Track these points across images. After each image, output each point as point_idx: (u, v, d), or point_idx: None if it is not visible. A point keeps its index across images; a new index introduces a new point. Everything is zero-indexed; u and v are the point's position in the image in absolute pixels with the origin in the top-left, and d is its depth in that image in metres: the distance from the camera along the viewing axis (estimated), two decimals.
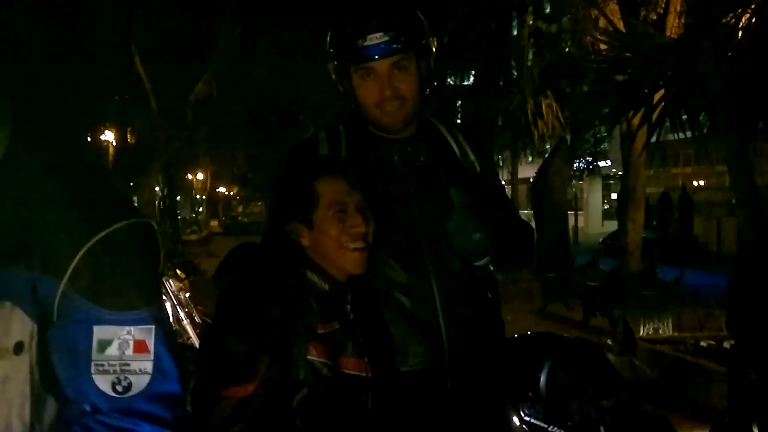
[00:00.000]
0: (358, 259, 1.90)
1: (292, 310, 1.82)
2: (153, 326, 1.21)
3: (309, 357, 1.82)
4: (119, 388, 1.18)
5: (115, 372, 1.18)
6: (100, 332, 1.18)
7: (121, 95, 14.97)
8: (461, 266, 2.23)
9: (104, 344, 1.18)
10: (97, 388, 1.18)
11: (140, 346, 1.19)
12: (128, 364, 1.19)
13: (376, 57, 2.15)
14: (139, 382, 1.19)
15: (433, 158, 2.29)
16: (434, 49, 2.26)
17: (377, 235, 2.07)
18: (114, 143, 17.38)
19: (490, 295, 2.31)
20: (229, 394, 1.75)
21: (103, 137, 17.92)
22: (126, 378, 1.18)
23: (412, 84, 2.21)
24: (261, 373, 1.76)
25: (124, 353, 1.18)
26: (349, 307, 1.94)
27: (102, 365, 1.18)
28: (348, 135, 2.29)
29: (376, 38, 2.14)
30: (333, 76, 2.28)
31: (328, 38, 2.26)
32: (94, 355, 1.18)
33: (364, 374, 1.92)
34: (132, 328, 1.19)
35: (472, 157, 2.34)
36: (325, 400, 1.83)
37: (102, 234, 1.18)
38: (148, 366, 1.20)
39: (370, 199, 2.02)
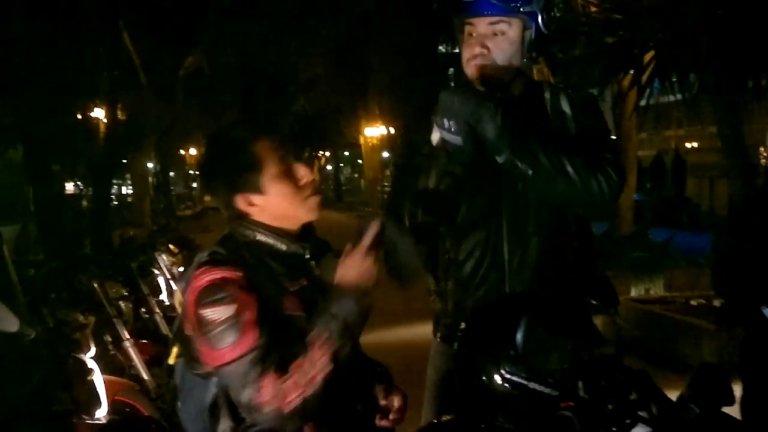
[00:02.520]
0: (315, 205, 1.96)
1: (254, 276, 1.83)
2: None
3: (286, 312, 1.85)
4: None
5: None
6: None
7: (111, 71, 14.83)
8: (536, 231, 2.31)
9: None
10: None
11: None
12: None
13: (475, 13, 2.29)
14: None
15: (527, 119, 2.34)
16: (542, 19, 2.34)
17: (466, 190, 2.25)
18: (105, 120, 17.27)
19: (572, 259, 2.35)
20: (236, 355, 1.76)
21: (93, 114, 17.77)
22: None
23: (507, 49, 2.31)
24: (251, 320, 1.77)
25: None
26: (313, 263, 1.98)
27: None
28: (461, 93, 2.37)
29: None
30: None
31: None
32: None
33: None
34: None
35: (570, 121, 2.37)
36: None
37: None
38: None
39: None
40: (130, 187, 23.14)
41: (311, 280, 1.95)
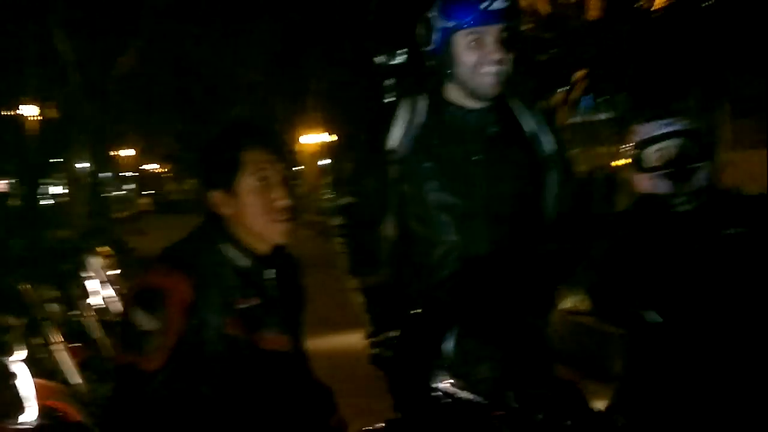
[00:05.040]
0: (284, 231, 1.92)
1: (204, 285, 1.82)
2: None
3: (226, 331, 1.83)
4: None
5: None
6: None
7: (39, 68, 14.43)
8: (512, 241, 2.37)
9: None
10: None
11: None
12: None
13: (492, 23, 2.30)
14: None
15: (503, 131, 2.42)
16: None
17: (439, 195, 2.30)
18: (34, 118, 16.78)
19: (544, 270, 2.43)
20: (135, 366, 1.77)
21: (21, 112, 17.23)
22: None
23: (510, 54, 2.35)
24: (168, 345, 1.77)
25: None
26: (271, 283, 1.95)
27: None
28: (428, 101, 2.45)
29: (498, 4, 2.29)
30: (429, 40, 2.39)
31: (441, 1, 2.36)
32: None
33: (284, 350, 1.94)
34: None
35: (544, 135, 2.46)
36: (242, 373, 1.85)
37: None
38: None
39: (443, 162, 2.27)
40: (63, 188, 22.55)
41: (265, 300, 1.92)
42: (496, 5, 2.30)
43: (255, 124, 2.04)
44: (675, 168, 2.68)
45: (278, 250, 1.97)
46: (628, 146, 2.86)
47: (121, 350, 1.82)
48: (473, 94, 2.40)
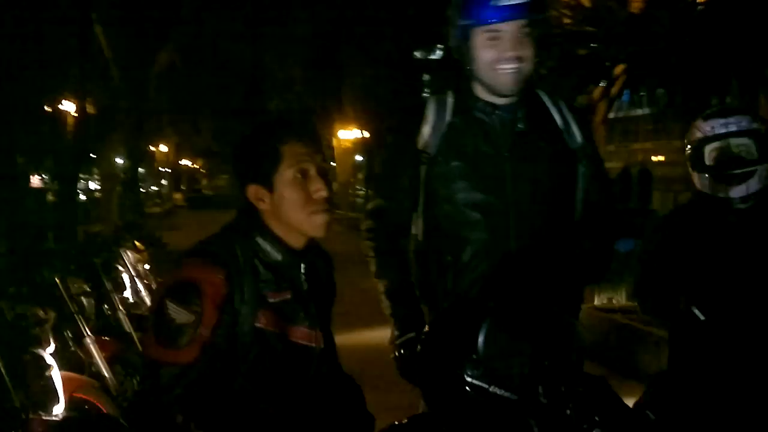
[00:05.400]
0: (322, 223, 1.91)
1: (238, 277, 1.82)
2: None
3: (257, 324, 1.83)
4: None
5: None
6: None
7: (81, 64, 14.67)
8: (544, 237, 2.35)
9: None
10: None
11: None
12: None
13: (509, 19, 2.27)
14: None
15: (532, 126, 2.39)
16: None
17: (469, 193, 2.29)
18: (74, 114, 17.04)
19: (571, 268, 2.40)
20: (169, 359, 1.77)
21: (61, 107, 17.53)
22: None
23: (532, 50, 2.33)
24: (202, 339, 1.76)
25: None
26: (303, 277, 1.95)
27: None
28: (455, 98, 2.43)
29: (514, 0, 2.25)
30: (450, 37, 2.38)
31: None
32: None
33: (314, 345, 1.94)
34: None
35: (574, 129, 2.43)
36: (272, 367, 1.85)
37: None
38: None
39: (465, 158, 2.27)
40: (98, 182, 22.92)
41: (297, 295, 1.92)
42: (512, 0, 2.26)
43: (292, 118, 2.03)
44: (732, 168, 2.63)
45: (311, 244, 1.97)
46: (685, 144, 2.81)
47: (154, 343, 1.81)
48: (492, 91, 2.38)
